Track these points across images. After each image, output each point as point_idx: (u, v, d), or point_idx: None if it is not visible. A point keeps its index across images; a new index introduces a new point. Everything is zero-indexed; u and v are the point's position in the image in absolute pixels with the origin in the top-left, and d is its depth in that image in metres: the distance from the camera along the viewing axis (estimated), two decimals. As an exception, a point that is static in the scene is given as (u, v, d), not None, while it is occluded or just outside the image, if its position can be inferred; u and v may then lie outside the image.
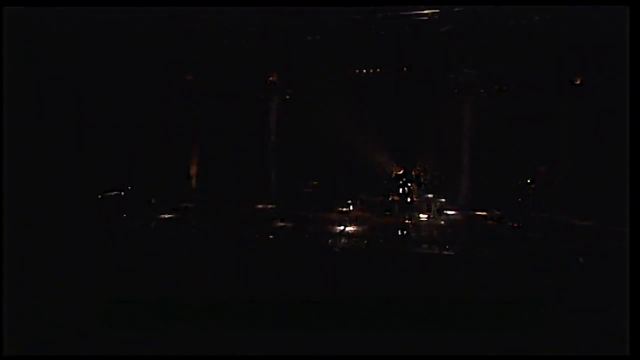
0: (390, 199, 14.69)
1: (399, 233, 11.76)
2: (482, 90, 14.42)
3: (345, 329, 5.48)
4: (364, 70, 15.51)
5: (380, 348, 4.90)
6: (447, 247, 9.99)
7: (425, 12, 11.65)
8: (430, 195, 15.26)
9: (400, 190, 14.71)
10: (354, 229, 11.90)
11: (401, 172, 15.43)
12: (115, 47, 13.89)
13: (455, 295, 6.09)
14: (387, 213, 13.46)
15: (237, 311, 5.96)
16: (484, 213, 13.82)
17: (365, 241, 10.74)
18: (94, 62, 13.67)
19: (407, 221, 12.97)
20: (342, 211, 14.56)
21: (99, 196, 14.45)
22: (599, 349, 4.69)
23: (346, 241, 10.91)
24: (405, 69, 15.10)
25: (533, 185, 12.47)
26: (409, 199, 14.60)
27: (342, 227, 11.85)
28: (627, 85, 5.45)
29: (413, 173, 15.17)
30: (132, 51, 14.38)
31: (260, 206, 15.59)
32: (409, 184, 14.78)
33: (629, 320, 4.35)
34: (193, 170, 16.53)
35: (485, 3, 10.54)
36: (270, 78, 16.08)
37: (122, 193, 15.24)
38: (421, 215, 13.71)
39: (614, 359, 4.53)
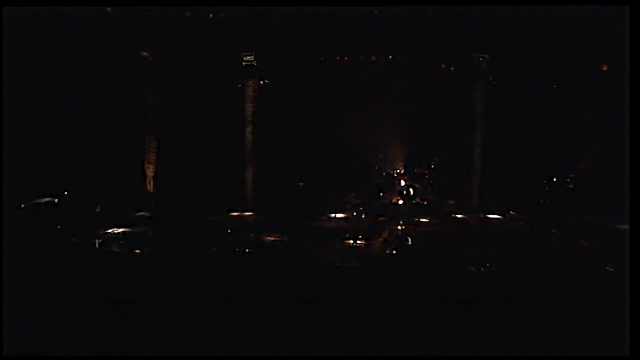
0: (393, 201, 12.51)
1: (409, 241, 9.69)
2: (491, 79, 12.67)
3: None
4: (361, 57, 13.33)
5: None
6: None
7: None
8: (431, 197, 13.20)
9: (404, 191, 12.59)
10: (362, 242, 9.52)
11: (401, 171, 13.34)
12: (55, 29, 11.09)
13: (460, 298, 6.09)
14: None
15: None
16: (499, 216, 12.08)
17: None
18: (30, 48, 11.21)
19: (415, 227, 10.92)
20: (335, 217, 12.30)
21: (22, 205, 11.13)
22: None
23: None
24: (390, 57, 13.13)
25: (571, 185, 10.75)
26: (413, 202, 12.50)
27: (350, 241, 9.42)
28: (627, 84, 5.69)
29: (415, 171, 13.09)
30: (72, 31, 11.51)
31: (235, 213, 12.94)
32: (415, 184, 12.69)
33: (629, 320, 4.40)
34: (150, 169, 13.42)
35: (490, 3, 10.00)
36: (247, 59, 13.31)
37: (56, 200, 12.05)
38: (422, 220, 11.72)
39: (614, 359, 4.52)
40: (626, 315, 4.41)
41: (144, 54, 12.53)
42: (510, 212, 12.22)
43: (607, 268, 7.72)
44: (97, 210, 12.60)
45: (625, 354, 4.26)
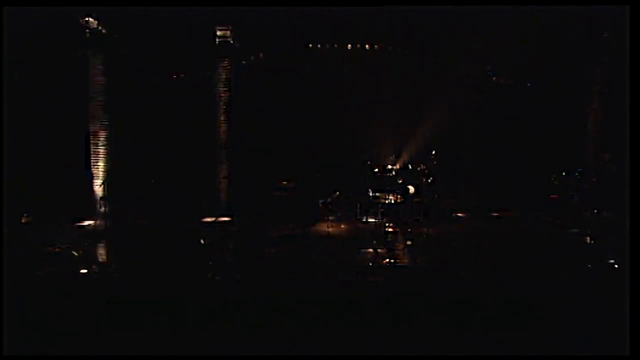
0: (393, 201, 11.14)
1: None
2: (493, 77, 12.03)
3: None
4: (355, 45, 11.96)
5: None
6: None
7: None
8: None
9: (403, 189, 11.30)
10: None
11: (397, 166, 12.06)
12: None
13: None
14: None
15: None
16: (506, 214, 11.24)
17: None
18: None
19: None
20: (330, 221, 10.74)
21: None
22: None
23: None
24: (389, 46, 12.14)
25: (594, 179, 10.14)
26: (414, 201, 11.25)
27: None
28: (627, 85, 5.66)
29: (417, 167, 11.85)
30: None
31: (208, 219, 10.82)
32: (414, 182, 11.45)
33: (629, 320, 4.39)
34: (98, 168, 10.83)
35: (489, 3, 9.70)
36: (220, 34, 11.20)
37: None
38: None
39: (614, 359, 4.46)
40: (626, 315, 4.38)
41: (88, 19, 9.96)
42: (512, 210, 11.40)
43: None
44: (23, 220, 10.23)
45: (625, 354, 4.23)
